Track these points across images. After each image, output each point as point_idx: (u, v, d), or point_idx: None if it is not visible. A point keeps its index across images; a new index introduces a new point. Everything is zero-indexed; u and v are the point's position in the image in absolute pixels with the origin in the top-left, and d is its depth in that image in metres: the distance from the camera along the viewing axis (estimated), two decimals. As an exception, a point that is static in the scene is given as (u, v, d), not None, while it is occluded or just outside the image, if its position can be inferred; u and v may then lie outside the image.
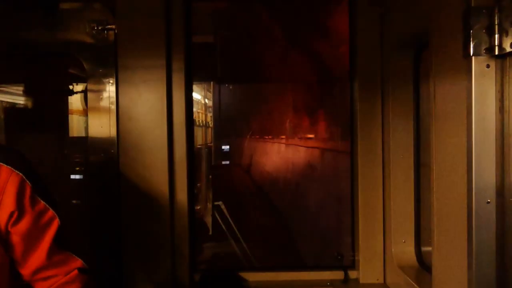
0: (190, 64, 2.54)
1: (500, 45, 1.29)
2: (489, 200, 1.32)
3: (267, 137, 2.91)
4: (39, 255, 1.46)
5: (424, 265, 2.25)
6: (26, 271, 1.48)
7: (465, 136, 1.36)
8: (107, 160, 2.39)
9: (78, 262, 1.52)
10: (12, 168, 1.41)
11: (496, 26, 1.29)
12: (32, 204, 1.43)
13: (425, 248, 2.27)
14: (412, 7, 2.00)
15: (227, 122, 2.98)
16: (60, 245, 1.49)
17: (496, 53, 1.30)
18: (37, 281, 1.50)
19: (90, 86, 2.41)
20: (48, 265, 1.47)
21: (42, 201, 1.45)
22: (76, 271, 1.51)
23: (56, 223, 1.47)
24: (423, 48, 2.19)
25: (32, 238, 1.44)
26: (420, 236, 2.30)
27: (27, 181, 1.42)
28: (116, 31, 2.37)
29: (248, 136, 2.89)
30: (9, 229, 1.41)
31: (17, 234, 1.42)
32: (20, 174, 1.41)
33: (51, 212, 1.47)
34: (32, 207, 1.43)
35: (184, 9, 2.45)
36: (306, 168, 2.84)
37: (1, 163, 1.41)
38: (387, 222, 2.41)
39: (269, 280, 2.54)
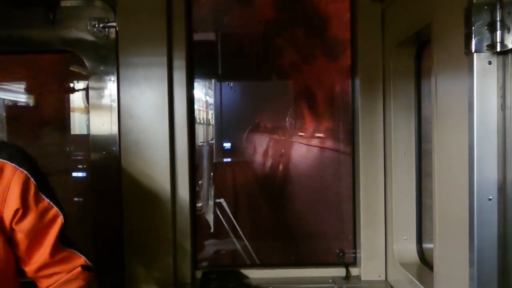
0: (191, 61, 2.54)
1: (502, 42, 1.29)
2: (490, 197, 1.32)
3: (268, 134, 2.90)
4: (42, 253, 1.47)
5: (425, 262, 2.25)
6: (30, 268, 1.49)
7: (467, 133, 1.36)
8: (109, 158, 2.39)
9: (81, 260, 1.54)
10: (16, 166, 1.42)
11: (498, 23, 1.29)
12: (36, 202, 1.44)
13: (426, 245, 2.27)
14: (414, 3, 1.99)
15: (228, 119, 2.98)
16: (64, 242, 1.50)
17: (498, 49, 1.29)
18: (40, 278, 1.51)
19: (91, 84, 2.41)
20: (52, 263, 1.48)
21: (46, 199, 1.46)
22: (79, 268, 1.52)
23: (60, 221, 1.48)
24: (425, 45, 2.19)
25: (36, 235, 1.45)
26: (422, 233, 2.30)
27: (31, 179, 1.43)
28: (117, 29, 2.37)
29: (249, 134, 2.89)
30: (14, 226, 1.42)
31: (21, 231, 1.43)
32: (24, 172, 1.42)
33: (55, 210, 1.48)
34: (36, 204, 1.44)
35: (185, 7, 2.45)
36: (309, 165, 2.84)
37: (5, 161, 1.42)
38: (388, 219, 2.41)
39: (271, 277, 2.55)
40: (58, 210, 1.48)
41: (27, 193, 1.42)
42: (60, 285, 1.50)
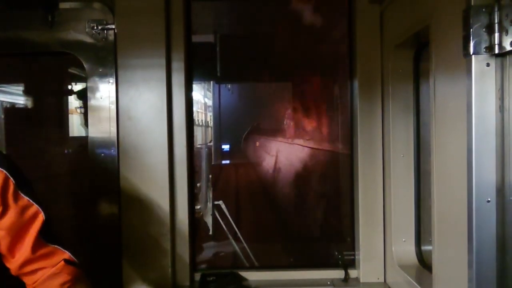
0: (190, 63, 2.54)
1: (500, 44, 1.29)
2: (489, 199, 1.32)
3: (266, 136, 2.91)
4: (24, 249, 1.50)
5: (424, 264, 2.25)
6: (13, 265, 1.51)
7: (465, 135, 1.36)
8: (107, 159, 2.39)
9: (65, 255, 1.56)
10: None
11: (496, 25, 1.29)
12: (16, 199, 1.48)
13: (425, 247, 2.27)
14: (412, 5, 1.99)
15: (227, 121, 2.98)
16: (46, 239, 1.53)
17: (496, 51, 1.30)
18: (25, 275, 1.54)
19: (90, 86, 2.41)
20: (34, 258, 1.51)
21: (25, 197, 1.50)
22: (62, 262, 1.54)
23: (41, 218, 1.51)
24: (423, 47, 2.19)
25: (17, 232, 1.48)
26: (420, 235, 2.30)
27: (11, 178, 1.47)
28: (115, 31, 2.37)
29: (248, 136, 2.89)
30: None
31: (2, 229, 1.47)
32: (4, 171, 1.46)
33: (35, 207, 1.51)
34: (16, 202, 1.48)
35: (184, 8, 2.45)
36: (306, 167, 2.84)
37: None
38: (387, 221, 2.41)
39: (269, 279, 2.54)
40: (38, 207, 1.52)
41: (6, 191, 1.46)
42: (45, 279, 1.52)
